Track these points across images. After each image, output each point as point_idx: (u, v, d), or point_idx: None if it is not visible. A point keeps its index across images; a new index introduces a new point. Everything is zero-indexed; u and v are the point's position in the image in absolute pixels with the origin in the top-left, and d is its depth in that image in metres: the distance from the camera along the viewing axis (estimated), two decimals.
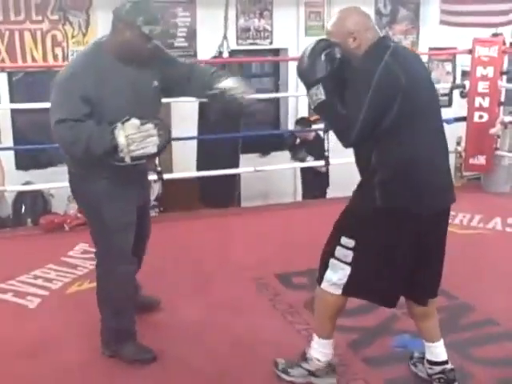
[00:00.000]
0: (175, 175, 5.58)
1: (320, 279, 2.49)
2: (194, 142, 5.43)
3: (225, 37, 5.66)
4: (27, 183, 5.71)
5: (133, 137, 2.48)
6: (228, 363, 2.82)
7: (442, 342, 2.60)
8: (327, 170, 5.55)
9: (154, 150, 2.53)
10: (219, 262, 3.96)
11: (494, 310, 3.24)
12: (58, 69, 3.04)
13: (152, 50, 2.61)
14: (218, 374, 2.73)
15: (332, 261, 2.44)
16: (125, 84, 2.59)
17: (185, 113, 5.88)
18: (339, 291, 2.45)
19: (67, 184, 2.86)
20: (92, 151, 2.48)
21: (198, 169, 5.46)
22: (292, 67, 6.65)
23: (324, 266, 2.47)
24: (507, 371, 2.73)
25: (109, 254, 2.77)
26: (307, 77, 2.38)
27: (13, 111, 6.03)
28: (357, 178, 2.48)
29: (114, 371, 2.78)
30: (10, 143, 6.05)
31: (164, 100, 4.96)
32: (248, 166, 5.32)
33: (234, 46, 6.03)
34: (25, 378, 2.73)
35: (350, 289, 2.43)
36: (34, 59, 6.05)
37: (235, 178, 5.61)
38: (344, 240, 2.40)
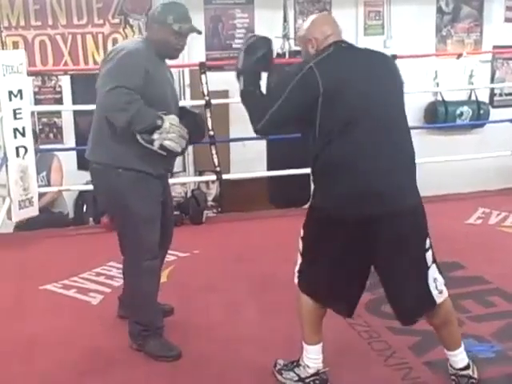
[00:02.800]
0: (233, 176, 5.61)
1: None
2: (262, 143, 5.43)
3: (287, 37, 5.63)
4: (88, 183, 5.82)
5: (174, 128, 2.63)
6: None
7: (459, 350, 2.55)
8: None
9: (179, 149, 2.68)
10: (277, 262, 3.94)
11: None
12: None
13: (183, 47, 2.81)
14: (271, 370, 2.71)
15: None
16: (165, 77, 2.83)
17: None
18: (296, 280, 2.53)
19: None
20: (134, 123, 2.59)
21: (269, 168, 5.45)
22: None
23: None
24: None
25: (134, 247, 2.81)
26: (236, 67, 2.51)
27: (75, 113, 6.17)
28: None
29: (179, 370, 2.80)
30: (73, 144, 6.20)
31: (221, 101, 4.97)
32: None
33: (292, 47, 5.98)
34: (88, 371, 2.79)
35: (301, 279, 2.51)
36: (95, 62, 6.15)
37: (307, 178, 5.53)
38: (301, 231, 2.52)
